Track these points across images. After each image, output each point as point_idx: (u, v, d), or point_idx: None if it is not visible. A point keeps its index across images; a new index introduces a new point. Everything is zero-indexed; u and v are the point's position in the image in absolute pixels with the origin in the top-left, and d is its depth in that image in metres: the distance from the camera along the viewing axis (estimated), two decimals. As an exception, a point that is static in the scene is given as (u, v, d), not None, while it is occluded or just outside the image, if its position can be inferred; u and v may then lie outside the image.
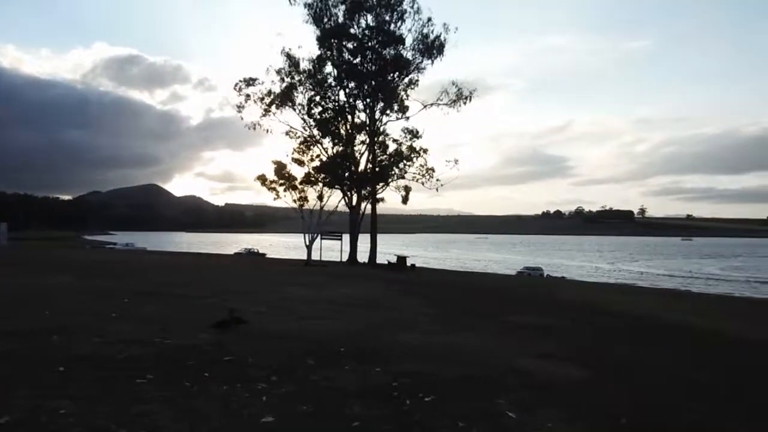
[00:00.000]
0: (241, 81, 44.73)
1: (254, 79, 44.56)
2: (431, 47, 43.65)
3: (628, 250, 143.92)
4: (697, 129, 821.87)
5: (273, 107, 44.77)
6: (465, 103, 44.51)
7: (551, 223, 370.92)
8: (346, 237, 45.89)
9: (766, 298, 41.81)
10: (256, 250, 71.44)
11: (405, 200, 45.99)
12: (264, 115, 45.09)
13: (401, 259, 43.68)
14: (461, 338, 11.61)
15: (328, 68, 45.47)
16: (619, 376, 8.94)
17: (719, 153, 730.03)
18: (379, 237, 48.07)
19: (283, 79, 44.46)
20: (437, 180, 44.97)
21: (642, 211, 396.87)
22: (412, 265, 44.28)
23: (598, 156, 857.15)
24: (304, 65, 44.68)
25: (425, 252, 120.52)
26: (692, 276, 68.29)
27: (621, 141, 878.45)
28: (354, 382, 7.24)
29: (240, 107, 44.97)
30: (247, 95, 44.59)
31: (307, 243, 42.39)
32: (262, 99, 44.68)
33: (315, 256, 43.28)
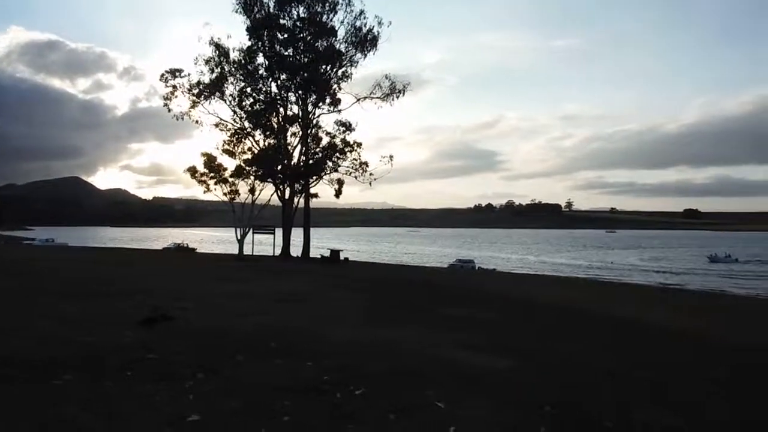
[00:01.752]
0: (167, 72, 43.34)
1: (180, 70, 43.28)
2: (364, 40, 43.56)
3: (556, 243, 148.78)
4: (620, 126, 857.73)
5: (202, 98, 43.62)
6: (398, 97, 44.71)
7: (483, 217, 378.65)
8: (279, 231, 45.36)
9: (677, 287, 44.21)
10: (185, 245, 69.49)
11: (338, 194, 45.84)
12: (193, 107, 43.88)
13: (335, 253, 43.56)
14: (392, 331, 11.68)
15: (260, 59, 44.67)
16: (544, 364, 9.21)
17: (640, 149, 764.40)
18: (313, 231, 47.77)
19: (212, 70, 43.36)
20: (371, 174, 45.04)
21: (569, 204, 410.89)
22: (346, 259, 44.25)
23: (528, 151, 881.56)
24: (234, 56, 43.73)
25: (359, 245, 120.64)
26: (614, 267, 71.28)
27: (549, 136, 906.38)
28: (284, 378, 7.16)
29: (167, 98, 43.58)
30: (174, 86, 43.25)
31: (239, 237, 41.66)
32: (190, 90, 43.45)
33: (247, 251, 42.58)
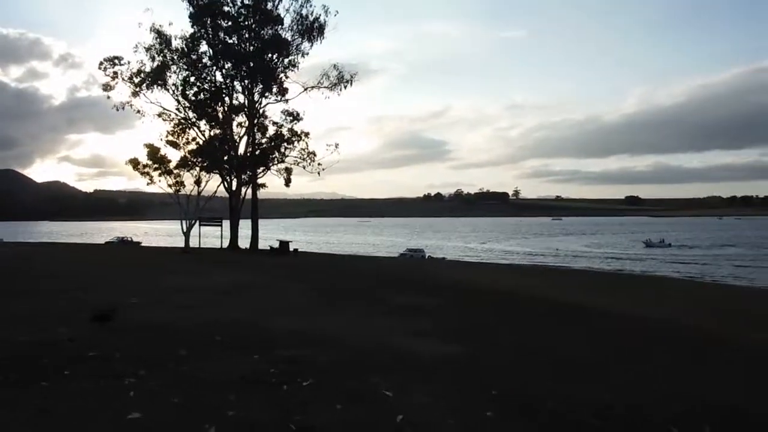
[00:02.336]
0: (106, 60, 41.85)
1: (120, 58, 41.85)
2: (311, 29, 43.04)
3: (504, 231, 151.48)
4: (565, 115, 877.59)
5: (143, 87, 42.33)
6: (346, 87, 44.42)
7: (432, 206, 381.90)
8: (226, 223, 44.60)
9: (619, 272, 45.80)
10: (129, 239, 67.66)
11: (287, 183, 45.37)
12: (134, 96, 42.55)
13: (283, 244, 43.14)
14: (342, 321, 11.65)
15: (203, 47, 43.62)
16: (491, 350, 9.35)
17: (584, 138, 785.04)
18: (261, 222, 47.18)
19: (153, 58, 42.11)
20: (319, 164, 44.71)
21: (516, 192, 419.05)
22: (295, 250, 43.89)
23: (476, 140, 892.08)
24: (177, 43, 42.56)
25: (308, 236, 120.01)
26: (559, 254, 73.15)
27: (497, 126, 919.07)
28: (230, 371, 7.02)
29: (107, 87, 42.12)
30: (115, 73, 41.81)
31: (185, 230, 40.78)
32: (131, 78, 42.10)
33: (194, 244, 41.74)
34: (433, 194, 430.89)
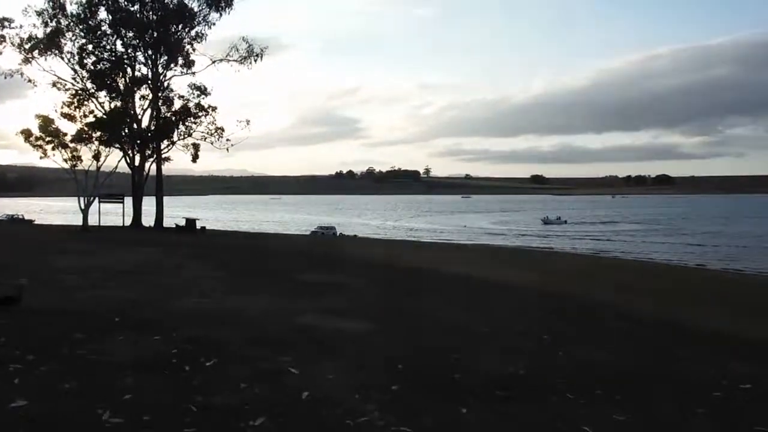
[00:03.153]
0: (-9, 22, 38.47)
1: (9, 20, 38.62)
2: (218, -1, 41.45)
3: (415, 208, 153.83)
4: (475, 95, 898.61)
5: (36, 54, 39.32)
6: (256, 61, 43.15)
7: (344, 183, 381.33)
8: (128, 200, 42.59)
9: (522, 248, 47.75)
10: (20, 216, 63.25)
11: (195, 158, 43.79)
12: (25, 63, 39.46)
13: (190, 222, 41.82)
14: (250, 300, 11.44)
15: (102, 14, 40.97)
16: (400, 326, 9.49)
17: (494, 118, 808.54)
18: (168, 199, 45.50)
19: (46, 23, 39.13)
20: (228, 140, 43.41)
21: (427, 171, 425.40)
22: (202, 228, 42.68)
23: (388, 118, 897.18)
24: (73, 9, 39.72)
25: (217, 214, 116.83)
26: (465, 231, 75.27)
27: (409, 104, 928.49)
28: (128, 354, 6.73)
29: (-6, 53, 38.83)
30: (2, 37, 38.54)
31: (83, 207, 38.56)
32: (21, 44, 38.98)
33: (93, 221, 39.59)
34: (345, 172, 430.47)
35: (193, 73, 43.35)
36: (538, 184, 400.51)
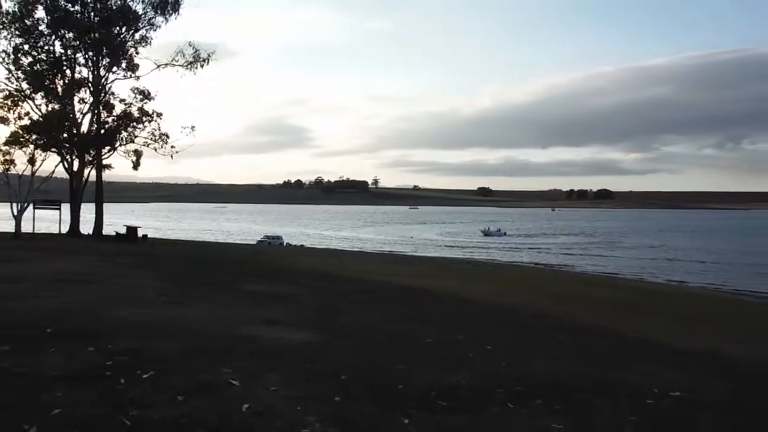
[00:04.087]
0: None
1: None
2: (165, 2, 40.58)
3: (363, 219, 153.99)
4: (424, 107, 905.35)
5: (-35, 52, 37.55)
6: (203, 66, 42.37)
7: (292, 193, 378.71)
8: (66, 206, 41.01)
9: (467, 259, 48.44)
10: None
11: (136, 166, 42.55)
12: (-46, 60, 37.63)
13: (131, 230, 40.56)
14: (191, 310, 11.18)
15: (40, 13, 39.51)
16: (344, 336, 9.43)
17: (441, 130, 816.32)
18: (110, 206, 44.11)
19: (-22, 21, 37.43)
20: (172, 147, 42.40)
21: (375, 181, 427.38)
22: (144, 236, 41.49)
23: (338, 128, 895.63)
24: (8, 6, 38.12)
25: (160, 222, 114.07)
26: (410, 242, 75.87)
27: (358, 115, 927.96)
28: (59, 366, 6.44)
29: None
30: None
31: (15, 213, 36.91)
32: (-51, 40, 37.16)
33: (27, 228, 37.93)
34: (293, 181, 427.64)
35: (137, 77, 42.25)
36: (484, 197, 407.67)
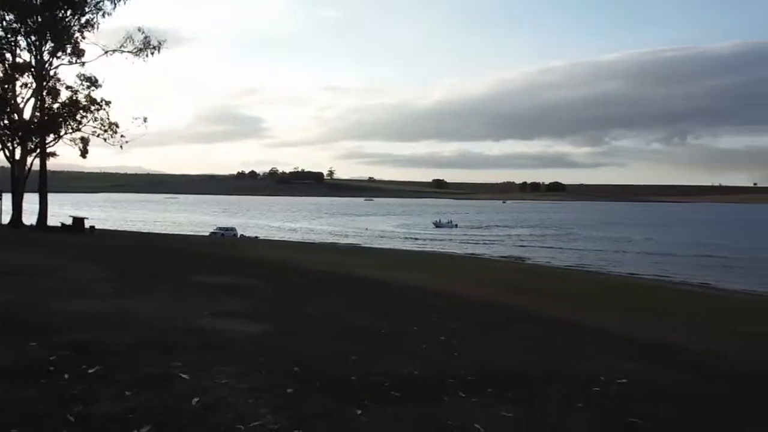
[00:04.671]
0: None
1: None
2: (113, -14, 39.29)
3: (318, 210, 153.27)
4: (379, 99, 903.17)
5: None
6: (153, 53, 41.15)
7: (246, 184, 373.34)
8: (7, 196, 39.46)
9: (423, 251, 48.85)
10: None
11: (84, 154, 41.17)
12: None
13: (78, 221, 39.32)
14: (141, 302, 10.91)
15: (-22, -6, 37.73)
16: (298, 328, 9.38)
17: (397, 122, 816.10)
18: (56, 196, 42.64)
19: None
20: (122, 136, 41.18)
21: (331, 173, 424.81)
22: (91, 227, 40.31)
23: (292, 119, 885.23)
24: (-59, -15, 36.28)
25: (109, 213, 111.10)
26: (366, 233, 76.02)
27: (313, 106, 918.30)
28: (0, 361, 6.21)
29: None
30: None
31: (-47, 203, 35.37)
32: None
33: (-35, 219, 36.40)
34: (247, 172, 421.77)
35: (83, 63, 40.82)
36: (439, 189, 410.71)
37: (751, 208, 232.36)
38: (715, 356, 9.66)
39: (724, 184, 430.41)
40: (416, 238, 68.68)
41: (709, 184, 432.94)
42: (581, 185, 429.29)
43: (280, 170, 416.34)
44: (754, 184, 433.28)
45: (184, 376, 6.02)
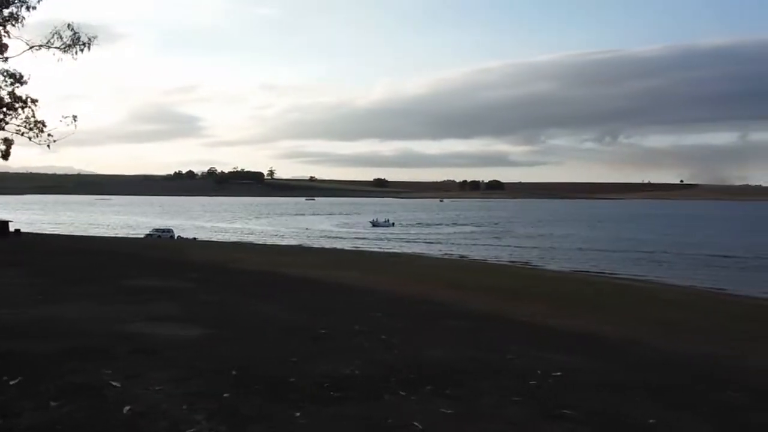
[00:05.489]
0: None
1: None
2: (38, -21, 37.58)
3: (258, 211, 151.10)
4: (318, 98, 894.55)
5: None
6: (83, 50, 39.39)
7: (183, 184, 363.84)
8: (-77, 199, 37.23)
9: (362, 250, 48.92)
10: None
11: (6, 155, 39.19)
12: None
13: (2, 224, 37.49)
14: (69, 308, 10.49)
15: None
16: (236, 330, 9.19)
17: (337, 121, 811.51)
18: (-27, 199, 40.34)
19: None
20: (49, 135, 39.40)
21: (271, 172, 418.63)
22: (17, 231, 38.51)
23: (230, 118, 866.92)
24: None
25: (36, 215, 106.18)
26: (306, 233, 75.57)
27: (251, 104, 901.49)
28: None
29: None
30: None
31: None
32: None
33: None
34: (184, 172, 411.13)
35: (6, 59, 38.87)
36: (380, 188, 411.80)
37: (679, 204, 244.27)
38: (639, 345, 10.03)
39: (653, 181, 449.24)
40: (356, 237, 68.73)
41: (640, 181, 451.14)
42: (519, 183, 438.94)
43: (219, 170, 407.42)
44: (681, 181, 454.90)
45: (114, 383, 5.80)
